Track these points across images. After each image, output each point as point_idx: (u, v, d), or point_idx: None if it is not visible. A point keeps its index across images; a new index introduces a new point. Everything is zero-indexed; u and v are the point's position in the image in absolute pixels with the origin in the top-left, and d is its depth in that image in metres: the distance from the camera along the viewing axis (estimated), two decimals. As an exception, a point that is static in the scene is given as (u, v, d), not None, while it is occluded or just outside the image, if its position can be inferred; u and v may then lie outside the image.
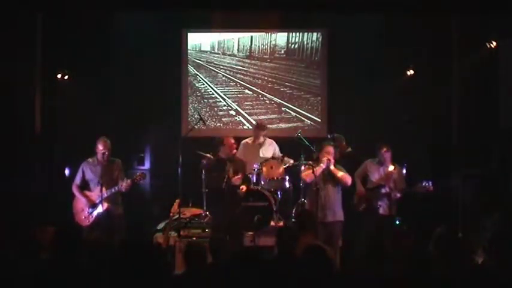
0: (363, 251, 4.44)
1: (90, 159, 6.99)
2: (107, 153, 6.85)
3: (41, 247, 4.40)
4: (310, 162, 7.11)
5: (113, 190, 6.83)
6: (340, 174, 6.85)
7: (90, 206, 6.88)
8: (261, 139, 8.36)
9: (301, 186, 7.54)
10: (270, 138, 8.58)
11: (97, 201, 6.81)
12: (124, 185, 6.83)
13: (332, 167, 6.81)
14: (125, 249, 4.25)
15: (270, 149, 8.38)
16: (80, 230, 6.72)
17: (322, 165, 6.77)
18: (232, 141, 7.24)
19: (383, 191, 7.16)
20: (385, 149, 7.22)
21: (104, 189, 6.72)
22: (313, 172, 6.75)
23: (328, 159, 6.78)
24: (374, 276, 4.11)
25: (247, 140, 8.48)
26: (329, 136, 8.11)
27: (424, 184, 7.00)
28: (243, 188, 7.22)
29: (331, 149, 6.87)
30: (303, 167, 7.33)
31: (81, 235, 4.60)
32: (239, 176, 7.13)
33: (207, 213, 8.24)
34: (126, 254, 4.19)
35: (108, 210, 6.81)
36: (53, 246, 4.31)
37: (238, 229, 6.95)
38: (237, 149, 7.63)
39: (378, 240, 4.65)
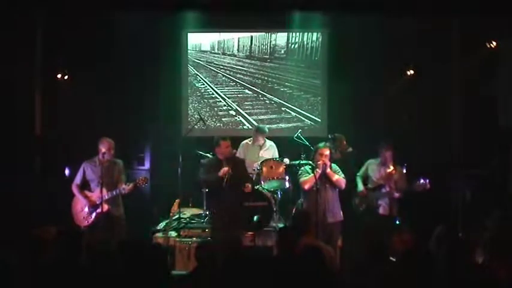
0: (363, 251, 4.44)
1: (91, 159, 6.97)
2: (106, 153, 6.83)
3: (42, 247, 4.41)
4: (310, 162, 7.03)
5: (114, 193, 6.81)
6: (335, 178, 6.77)
7: (90, 207, 6.87)
8: (261, 141, 8.37)
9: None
10: (270, 138, 8.59)
11: (97, 201, 6.80)
12: (126, 188, 6.81)
13: (328, 170, 6.73)
14: (125, 249, 4.27)
15: (269, 151, 8.38)
16: (81, 231, 6.76)
17: (319, 171, 6.70)
18: (227, 143, 6.88)
19: (383, 190, 7.16)
20: (385, 148, 7.22)
21: (104, 190, 6.70)
22: (315, 176, 6.67)
23: (324, 164, 6.71)
24: (374, 276, 4.11)
25: (247, 140, 8.49)
26: (329, 136, 8.07)
27: (421, 182, 7.00)
28: (249, 186, 7.02)
29: (325, 150, 6.77)
30: (300, 172, 7.08)
31: (82, 235, 4.59)
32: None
33: (207, 213, 8.26)
34: (126, 254, 4.20)
35: (108, 211, 6.79)
36: (55, 246, 4.31)
37: (237, 228, 6.83)
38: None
39: (378, 240, 4.66)
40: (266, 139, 8.45)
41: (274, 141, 8.52)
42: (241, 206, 7.04)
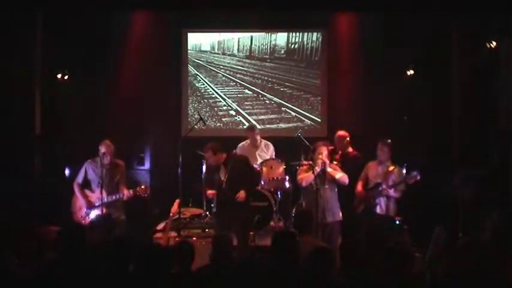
0: (362, 251, 4.44)
1: (94, 159, 6.97)
2: (108, 156, 6.81)
3: (43, 247, 4.41)
4: (310, 162, 7.03)
5: (114, 198, 6.80)
6: (338, 176, 6.78)
7: (88, 207, 6.87)
8: (255, 140, 8.34)
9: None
10: (270, 138, 8.58)
11: (95, 203, 6.80)
12: (126, 194, 6.81)
13: (329, 169, 6.76)
14: (124, 249, 4.26)
15: (266, 151, 8.37)
16: (83, 230, 6.76)
17: (317, 168, 6.71)
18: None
19: (380, 188, 7.15)
20: (379, 146, 7.22)
21: (104, 192, 6.69)
22: (313, 173, 6.69)
23: (323, 162, 6.73)
24: (373, 275, 4.12)
25: (243, 142, 8.48)
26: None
27: (413, 174, 7.01)
28: (241, 195, 6.62)
29: (324, 150, 6.80)
30: (298, 171, 7.07)
31: (84, 235, 4.58)
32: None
33: (207, 213, 8.25)
34: (125, 254, 4.20)
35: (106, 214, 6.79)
36: (56, 246, 4.31)
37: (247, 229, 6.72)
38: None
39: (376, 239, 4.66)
40: (262, 139, 8.44)
41: (273, 141, 8.52)
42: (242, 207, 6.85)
